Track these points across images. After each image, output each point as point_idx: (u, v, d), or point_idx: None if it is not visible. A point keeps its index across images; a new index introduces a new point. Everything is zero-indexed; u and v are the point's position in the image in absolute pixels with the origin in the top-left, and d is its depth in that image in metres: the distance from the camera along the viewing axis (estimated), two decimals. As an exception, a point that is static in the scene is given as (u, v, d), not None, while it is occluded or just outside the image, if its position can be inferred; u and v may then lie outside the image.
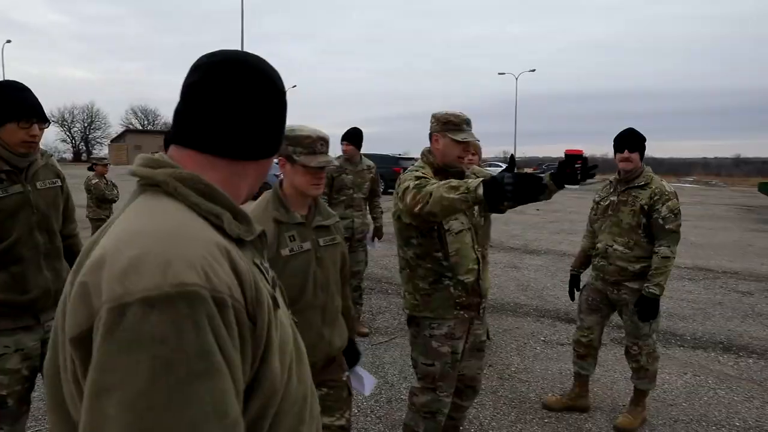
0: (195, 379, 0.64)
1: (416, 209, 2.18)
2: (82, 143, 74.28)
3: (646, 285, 3.14)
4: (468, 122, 2.45)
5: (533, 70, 46.97)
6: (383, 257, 8.05)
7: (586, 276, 3.57)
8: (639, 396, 3.35)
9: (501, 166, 40.47)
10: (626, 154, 3.21)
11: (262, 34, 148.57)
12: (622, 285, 3.27)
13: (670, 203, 3.15)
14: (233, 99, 0.85)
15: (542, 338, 4.91)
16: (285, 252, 1.92)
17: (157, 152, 0.89)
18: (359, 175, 4.69)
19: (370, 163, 4.87)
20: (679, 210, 3.20)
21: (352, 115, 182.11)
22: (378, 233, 5.08)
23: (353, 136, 4.70)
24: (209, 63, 0.87)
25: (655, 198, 3.16)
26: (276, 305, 0.83)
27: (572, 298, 3.67)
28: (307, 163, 1.91)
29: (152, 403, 0.62)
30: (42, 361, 2.02)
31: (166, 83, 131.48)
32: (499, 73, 52.59)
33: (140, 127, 76.21)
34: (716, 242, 10.77)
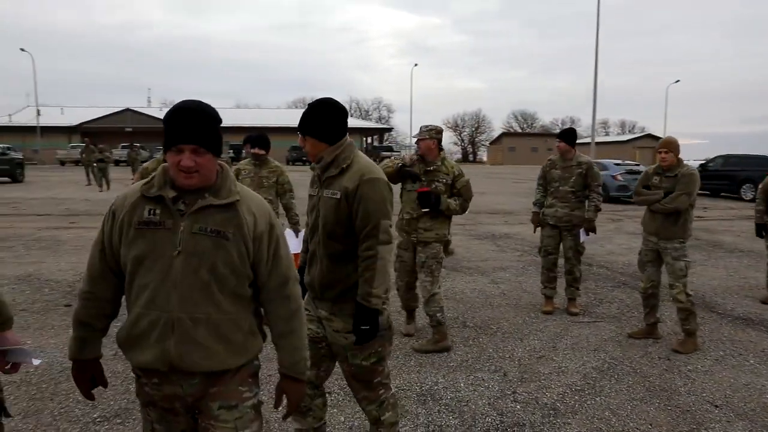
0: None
1: None
2: (470, 145, 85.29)
3: None
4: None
5: None
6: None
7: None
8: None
9: None
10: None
11: (640, 30, 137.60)
12: None
13: None
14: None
15: (761, 350, 4.54)
16: None
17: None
18: (567, 170, 5.32)
19: (583, 159, 5.36)
20: None
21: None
22: (587, 225, 5.40)
23: (569, 135, 5.38)
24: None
25: None
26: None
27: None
28: None
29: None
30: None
31: (544, 87, 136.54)
32: None
33: (519, 130, 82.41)
34: None
